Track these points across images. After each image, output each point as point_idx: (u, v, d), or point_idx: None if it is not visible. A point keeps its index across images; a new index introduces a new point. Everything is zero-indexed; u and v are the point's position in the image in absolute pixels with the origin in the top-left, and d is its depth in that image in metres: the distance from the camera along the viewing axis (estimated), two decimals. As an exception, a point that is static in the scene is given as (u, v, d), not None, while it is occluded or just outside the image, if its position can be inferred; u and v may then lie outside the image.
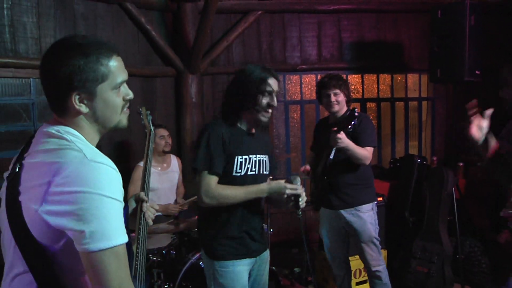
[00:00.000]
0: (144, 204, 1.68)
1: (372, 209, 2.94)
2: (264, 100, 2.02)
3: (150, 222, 1.71)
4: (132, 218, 1.66)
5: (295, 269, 4.08)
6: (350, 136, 2.67)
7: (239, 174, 2.05)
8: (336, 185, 2.89)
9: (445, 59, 3.82)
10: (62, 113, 1.12)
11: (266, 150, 2.18)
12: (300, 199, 2.00)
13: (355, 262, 3.41)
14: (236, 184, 2.02)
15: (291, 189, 1.99)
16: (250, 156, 2.08)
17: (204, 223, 2.14)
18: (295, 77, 4.83)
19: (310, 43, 4.70)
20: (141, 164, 3.00)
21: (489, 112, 1.90)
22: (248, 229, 2.08)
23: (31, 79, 3.32)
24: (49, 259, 1.03)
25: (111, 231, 0.99)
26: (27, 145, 1.14)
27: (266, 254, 2.23)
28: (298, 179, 2.02)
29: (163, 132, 3.64)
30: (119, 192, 1.04)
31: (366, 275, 3.54)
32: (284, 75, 4.71)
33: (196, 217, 3.10)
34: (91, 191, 0.97)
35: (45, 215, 0.98)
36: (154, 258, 2.99)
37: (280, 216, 4.50)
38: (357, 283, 3.57)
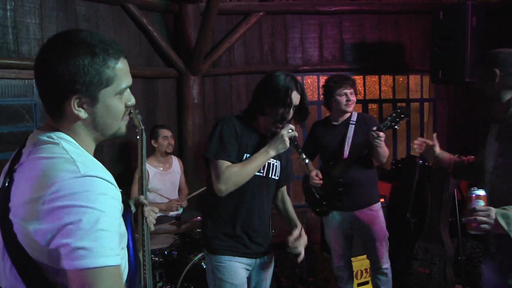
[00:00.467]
0: (145, 208, 1.64)
1: (381, 207, 3.03)
2: (281, 111, 1.98)
3: (152, 228, 1.67)
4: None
5: (295, 270, 4.07)
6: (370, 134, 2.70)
7: None
8: (351, 185, 2.88)
9: (446, 60, 3.82)
10: (58, 117, 1.01)
11: (280, 155, 2.09)
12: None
13: (357, 263, 3.41)
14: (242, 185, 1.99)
15: (290, 130, 2.00)
16: None
17: (207, 219, 2.15)
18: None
19: (312, 44, 4.69)
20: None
21: (435, 135, 2.37)
22: (248, 230, 2.08)
23: (34, 80, 3.33)
24: (52, 283, 0.93)
25: (103, 248, 0.88)
26: (18, 154, 1.04)
27: (268, 258, 2.20)
28: (288, 125, 2.03)
29: (167, 132, 3.63)
30: (113, 206, 0.94)
31: (367, 276, 3.54)
32: (286, 76, 4.71)
33: (198, 218, 3.11)
34: (83, 204, 0.88)
35: (37, 233, 0.89)
36: (156, 259, 2.99)
37: (281, 216, 4.47)
38: (359, 284, 3.56)
